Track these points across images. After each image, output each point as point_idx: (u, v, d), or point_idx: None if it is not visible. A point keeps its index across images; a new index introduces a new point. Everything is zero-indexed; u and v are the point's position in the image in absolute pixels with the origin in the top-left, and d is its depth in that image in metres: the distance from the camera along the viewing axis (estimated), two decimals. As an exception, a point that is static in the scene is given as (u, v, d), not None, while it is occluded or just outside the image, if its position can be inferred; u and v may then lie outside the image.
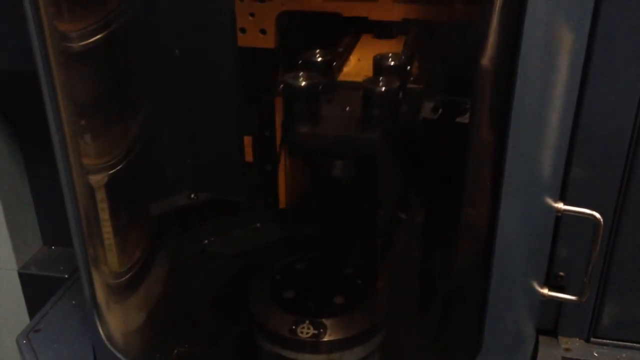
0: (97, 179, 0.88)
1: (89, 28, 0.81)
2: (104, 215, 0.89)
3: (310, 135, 0.84)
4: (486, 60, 0.72)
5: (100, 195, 0.88)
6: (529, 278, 0.81)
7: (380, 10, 0.89)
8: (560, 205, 0.80)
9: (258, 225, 1.16)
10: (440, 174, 0.88)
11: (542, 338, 0.96)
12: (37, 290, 1.20)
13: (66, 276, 1.19)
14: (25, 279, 1.22)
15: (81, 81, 0.82)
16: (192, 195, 1.09)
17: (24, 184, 1.22)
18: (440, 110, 0.91)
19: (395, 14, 0.89)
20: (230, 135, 1.04)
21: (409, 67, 0.87)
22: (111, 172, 0.89)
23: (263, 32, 0.94)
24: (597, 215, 0.80)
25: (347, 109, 0.84)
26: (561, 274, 0.91)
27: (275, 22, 0.92)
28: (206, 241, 1.12)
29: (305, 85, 0.81)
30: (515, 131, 0.68)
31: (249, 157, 1.05)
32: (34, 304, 1.21)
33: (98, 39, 0.82)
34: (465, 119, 0.87)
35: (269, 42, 0.95)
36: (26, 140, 1.19)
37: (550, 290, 0.86)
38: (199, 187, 1.08)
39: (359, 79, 0.86)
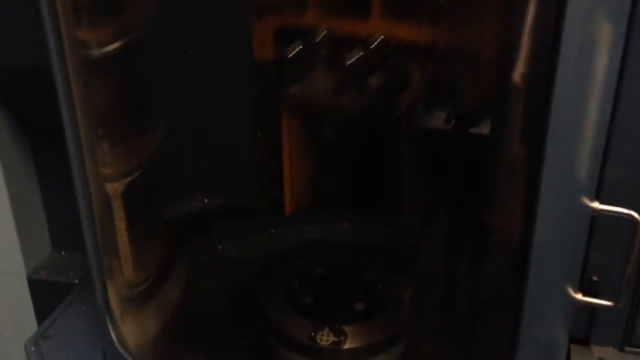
0: (114, 187, 0.87)
1: (108, 36, 0.82)
2: (120, 225, 0.89)
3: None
4: (520, 62, 0.72)
5: (117, 204, 0.87)
6: (564, 282, 0.78)
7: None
8: (597, 205, 0.77)
9: (273, 230, 1.15)
10: (468, 177, 0.86)
11: (574, 347, 0.93)
12: (46, 296, 1.19)
13: (76, 282, 1.17)
14: (34, 285, 1.21)
15: (99, 89, 0.82)
16: (205, 200, 1.08)
17: (34, 186, 1.21)
18: (454, 121, 0.90)
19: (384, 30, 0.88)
20: (245, 140, 1.05)
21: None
22: (128, 179, 0.88)
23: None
24: (635, 214, 0.76)
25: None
26: (594, 278, 0.88)
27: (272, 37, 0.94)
28: (220, 247, 1.11)
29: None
30: (554, 132, 0.66)
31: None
32: (42, 310, 1.20)
33: (116, 47, 0.82)
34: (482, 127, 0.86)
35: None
36: (37, 141, 1.18)
37: (584, 295, 0.83)
38: (213, 191, 1.08)
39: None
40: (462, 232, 0.88)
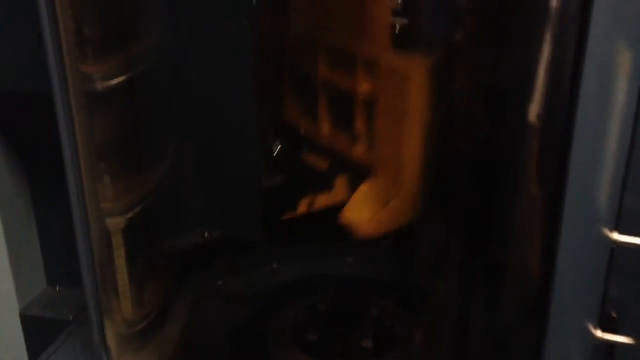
0: (115, 223, 0.86)
1: (114, 69, 0.81)
2: (120, 261, 0.87)
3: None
4: (537, 100, 0.72)
5: (117, 240, 0.86)
6: (584, 319, 0.76)
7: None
8: (616, 236, 0.75)
9: (275, 265, 1.14)
10: (482, 212, 0.85)
11: (592, 386, 0.89)
12: (39, 332, 1.15)
13: (70, 318, 1.14)
14: (27, 321, 1.17)
15: (102, 122, 0.82)
16: (206, 234, 1.08)
17: (30, 218, 1.18)
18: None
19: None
20: (247, 173, 1.05)
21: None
22: (130, 214, 0.87)
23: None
24: (656, 247, 0.74)
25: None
26: (613, 314, 0.84)
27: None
28: (221, 282, 1.10)
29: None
30: (575, 165, 0.66)
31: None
32: (35, 348, 1.14)
33: (122, 80, 0.82)
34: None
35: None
36: (33, 171, 1.15)
37: (603, 332, 0.80)
38: (213, 225, 1.07)
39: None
40: (476, 267, 0.87)
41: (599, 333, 0.79)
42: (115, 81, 0.81)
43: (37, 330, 1.16)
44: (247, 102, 1.00)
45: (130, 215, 0.86)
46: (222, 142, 1.02)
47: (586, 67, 0.62)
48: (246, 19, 0.98)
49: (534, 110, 0.73)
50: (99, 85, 0.80)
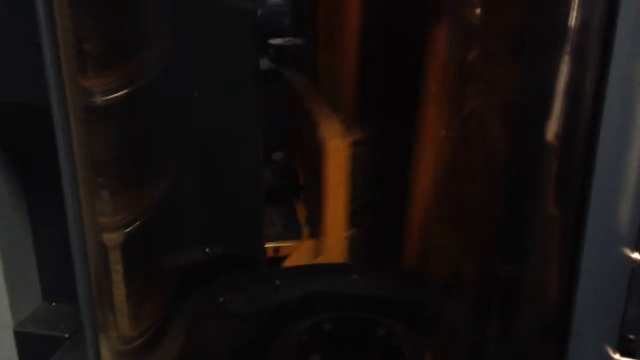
0: (113, 238, 0.84)
1: (114, 84, 0.80)
2: (117, 277, 0.85)
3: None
4: (559, 110, 0.71)
5: (115, 256, 0.84)
6: (604, 342, 0.74)
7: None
8: (637, 256, 0.72)
9: (278, 282, 1.11)
10: (498, 231, 0.84)
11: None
12: (34, 350, 1.14)
13: (66, 335, 1.12)
14: (22, 338, 1.15)
15: (101, 136, 0.81)
16: (207, 250, 1.07)
17: (26, 232, 1.16)
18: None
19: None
20: (249, 188, 1.05)
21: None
22: (128, 229, 0.85)
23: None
24: (679, 267, 0.72)
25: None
26: (631, 336, 0.82)
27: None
28: (222, 299, 1.07)
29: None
30: (597, 185, 0.65)
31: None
32: (30, 366, 1.14)
33: (122, 94, 0.82)
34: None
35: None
36: (30, 185, 1.14)
37: (621, 355, 0.77)
38: (215, 241, 1.06)
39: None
40: (491, 287, 0.85)
41: (617, 356, 0.76)
42: (115, 95, 0.80)
43: (32, 347, 1.14)
44: (250, 117, 0.99)
45: (128, 230, 0.85)
46: (224, 157, 1.01)
47: (609, 86, 0.61)
48: (249, 33, 0.98)
49: (552, 129, 0.72)
50: (99, 100, 0.79)
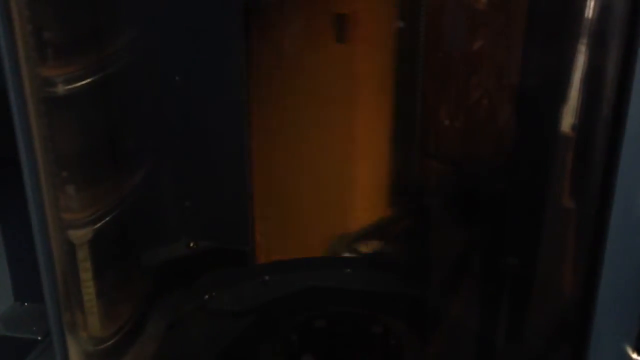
0: (81, 235, 0.81)
1: (79, 72, 0.77)
2: (86, 275, 0.82)
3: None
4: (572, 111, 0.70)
5: (83, 253, 0.81)
6: (624, 342, 0.71)
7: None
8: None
9: (267, 277, 1.09)
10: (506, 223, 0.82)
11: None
12: (4, 353, 1.11)
13: (39, 338, 1.09)
14: None
15: (65, 129, 0.78)
16: (192, 244, 1.05)
17: None
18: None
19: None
20: (235, 175, 1.02)
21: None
22: (97, 225, 0.83)
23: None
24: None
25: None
26: (650, 335, 0.78)
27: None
28: (207, 296, 1.05)
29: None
30: (622, 179, 0.62)
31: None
32: (0, 371, 1.13)
33: (85, 83, 0.78)
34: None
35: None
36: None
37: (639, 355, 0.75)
38: (200, 235, 1.04)
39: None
40: (499, 283, 0.82)
41: (635, 356, 0.73)
42: (79, 84, 0.77)
43: (2, 350, 1.12)
44: (236, 102, 0.97)
45: (98, 226, 0.82)
46: (207, 146, 0.98)
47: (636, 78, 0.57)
48: (234, 14, 0.94)
49: (568, 120, 0.70)
50: (61, 89, 0.76)
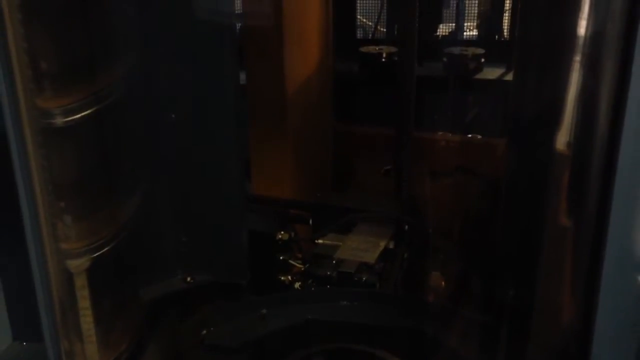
0: (78, 264, 0.81)
1: (76, 104, 0.78)
2: (84, 304, 0.82)
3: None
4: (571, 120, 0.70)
5: (81, 282, 0.81)
6: None
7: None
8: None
9: (264, 311, 1.06)
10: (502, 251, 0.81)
11: None
12: None
13: None
14: None
15: (62, 160, 0.78)
16: (188, 279, 1.03)
17: None
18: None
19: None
20: (232, 209, 1.01)
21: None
22: (94, 255, 0.82)
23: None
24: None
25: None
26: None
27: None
28: (204, 331, 1.02)
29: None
30: (617, 204, 0.63)
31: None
32: (-2, 413, 1.09)
33: (85, 115, 0.79)
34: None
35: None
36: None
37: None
38: (196, 269, 1.03)
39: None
40: (497, 313, 0.81)
41: None
42: (77, 116, 0.77)
43: None
44: (231, 133, 0.96)
45: (96, 255, 0.82)
46: (204, 180, 0.98)
47: (630, 99, 0.58)
48: (228, 47, 0.94)
49: (563, 139, 0.71)
50: (59, 121, 0.76)
